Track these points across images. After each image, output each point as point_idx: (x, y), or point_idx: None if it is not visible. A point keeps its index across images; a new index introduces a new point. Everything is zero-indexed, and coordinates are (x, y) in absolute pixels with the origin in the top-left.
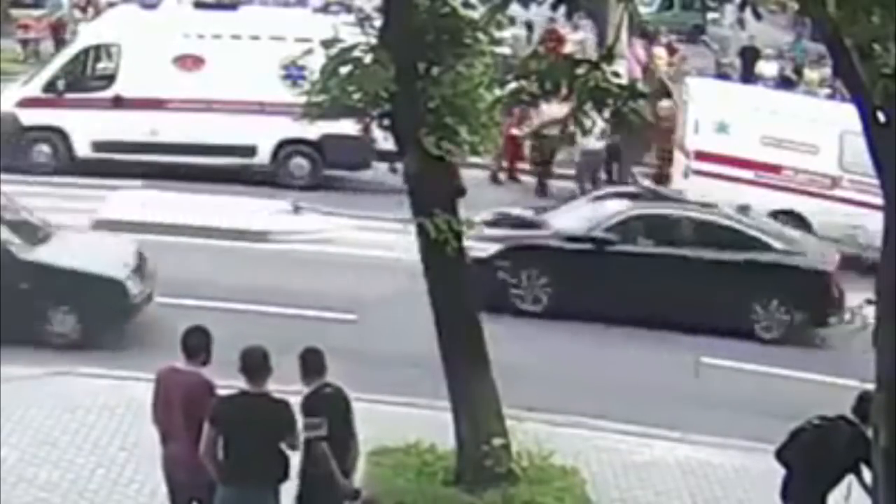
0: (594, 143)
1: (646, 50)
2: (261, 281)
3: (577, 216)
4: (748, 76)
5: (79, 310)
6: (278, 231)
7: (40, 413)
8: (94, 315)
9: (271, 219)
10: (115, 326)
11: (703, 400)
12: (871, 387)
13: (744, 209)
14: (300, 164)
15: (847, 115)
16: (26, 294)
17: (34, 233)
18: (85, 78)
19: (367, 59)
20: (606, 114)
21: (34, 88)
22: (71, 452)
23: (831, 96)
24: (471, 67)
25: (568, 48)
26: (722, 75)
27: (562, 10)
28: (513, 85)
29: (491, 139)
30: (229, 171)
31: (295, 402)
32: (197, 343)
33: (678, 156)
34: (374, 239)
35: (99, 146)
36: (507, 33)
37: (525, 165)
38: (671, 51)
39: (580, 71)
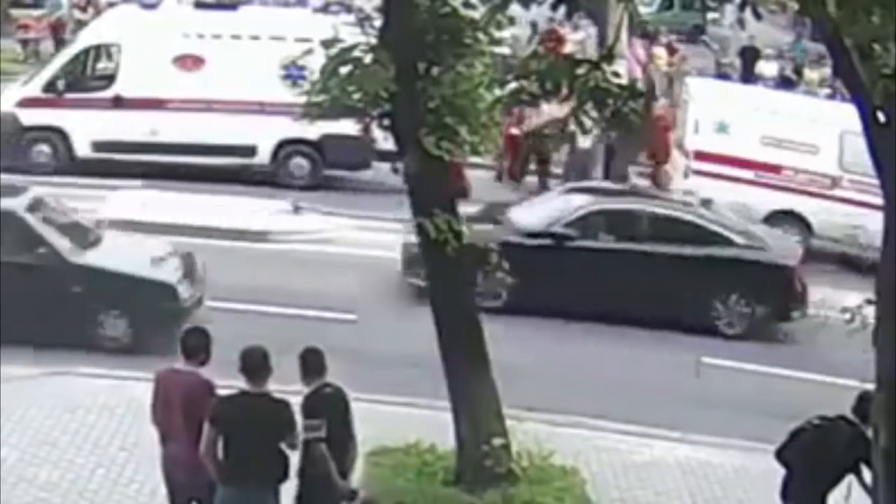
0: (581, 141)
1: (646, 50)
2: (261, 281)
3: (539, 212)
4: (748, 76)
5: (130, 314)
6: (278, 231)
7: (40, 413)
8: (145, 319)
9: (271, 219)
10: (165, 330)
11: (700, 399)
12: (870, 387)
13: (706, 203)
14: (300, 164)
15: (847, 115)
16: (78, 298)
17: (85, 236)
18: (85, 78)
19: (367, 59)
20: (607, 114)
21: (34, 88)
22: (71, 452)
23: (831, 96)
24: (471, 67)
25: (568, 48)
26: (722, 75)
27: (562, 10)
28: (513, 85)
29: (491, 139)
30: (229, 171)
31: (295, 402)
32: (196, 343)
33: (678, 156)
34: (374, 239)
35: (99, 146)
36: (506, 33)
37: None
38: (671, 51)
39: (580, 71)
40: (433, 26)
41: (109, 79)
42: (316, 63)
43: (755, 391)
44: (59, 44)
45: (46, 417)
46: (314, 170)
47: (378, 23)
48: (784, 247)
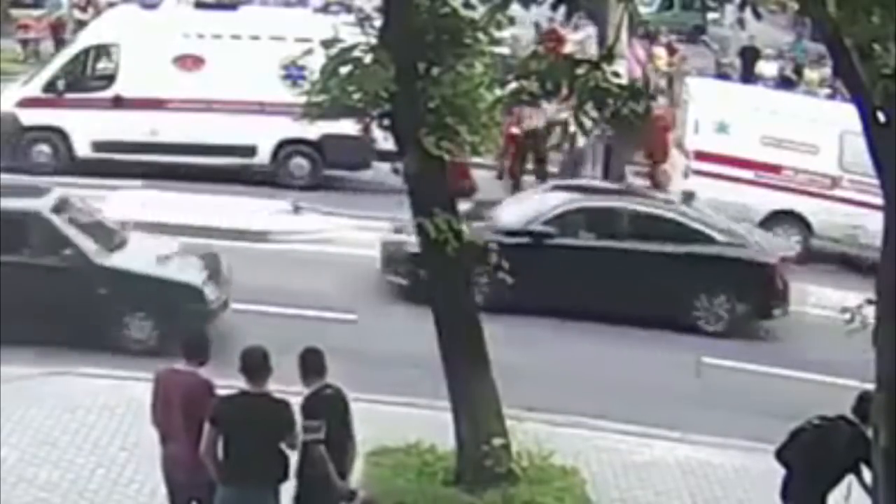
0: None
1: (646, 50)
2: (261, 281)
3: (520, 210)
4: (748, 76)
5: (156, 316)
6: (278, 231)
7: (40, 413)
8: (171, 321)
9: (271, 219)
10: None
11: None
12: (870, 387)
13: (689, 197)
14: (300, 164)
15: (847, 115)
16: (104, 299)
17: (110, 237)
18: (85, 78)
19: (367, 59)
20: (607, 114)
21: (34, 88)
22: (71, 452)
23: (831, 96)
24: (471, 67)
25: (568, 48)
26: (722, 75)
27: (562, 10)
28: (513, 85)
29: (491, 139)
30: (229, 171)
31: (295, 402)
32: (196, 343)
33: (678, 156)
34: (375, 239)
35: (99, 146)
36: (506, 33)
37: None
38: (671, 51)
39: (580, 71)
40: (433, 26)
41: (109, 79)
42: (316, 63)
43: (744, 389)
44: (59, 44)
45: (46, 417)
46: (314, 170)
47: (378, 23)
48: (765, 244)
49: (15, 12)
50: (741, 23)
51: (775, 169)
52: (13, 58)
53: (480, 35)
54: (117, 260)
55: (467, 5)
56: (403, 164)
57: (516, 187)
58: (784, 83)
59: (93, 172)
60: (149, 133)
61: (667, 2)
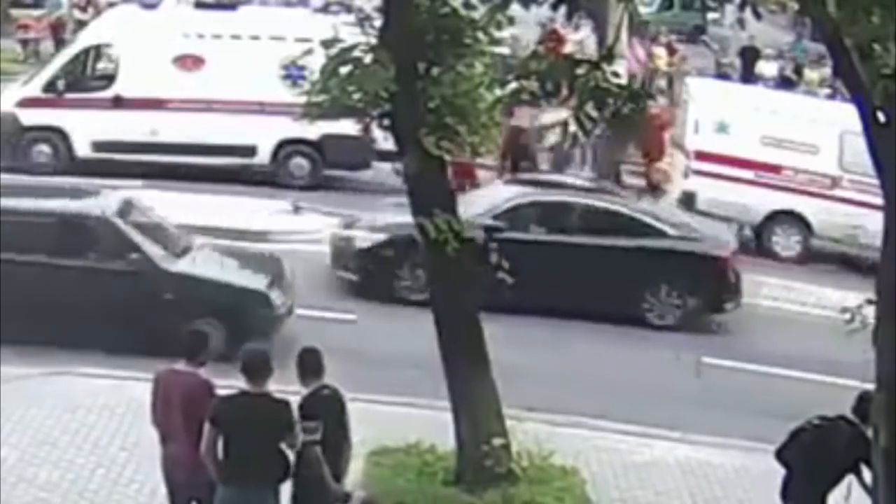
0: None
1: (646, 50)
2: None
3: (471, 204)
4: (748, 76)
5: (224, 322)
6: (278, 231)
7: (40, 413)
8: (239, 327)
9: (271, 219)
10: (260, 339)
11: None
12: (870, 387)
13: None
14: (300, 164)
15: (847, 115)
16: (170, 305)
17: (174, 242)
18: (85, 78)
19: (367, 59)
20: (607, 114)
21: (34, 88)
22: (71, 452)
23: (831, 96)
24: (471, 67)
25: (568, 48)
26: (722, 75)
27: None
28: (513, 85)
29: (491, 139)
30: (229, 171)
31: (295, 402)
32: (196, 344)
33: (678, 155)
34: None
35: (99, 146)
36: (506, 33)
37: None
38: (671, 51)
39: (580, 71)
40: (433, 26)
41: (109, 79)
42: (316, 63)
43: (744, 389)
44: (59, 44)
45: (46, 417)
46: (314, 170)
47: (378, 23)
48: (717, 238)
49: (15, 12)
50: (741, 23)
51: (775, 169)
52: (13, 58)
53: (480, 35)
54: (184, 265)
55: (467, 5)
56: (403, 164)
57: None
58: (784, 83)
59: (93, 172)
60: (149, 133)
61: (667, 2)
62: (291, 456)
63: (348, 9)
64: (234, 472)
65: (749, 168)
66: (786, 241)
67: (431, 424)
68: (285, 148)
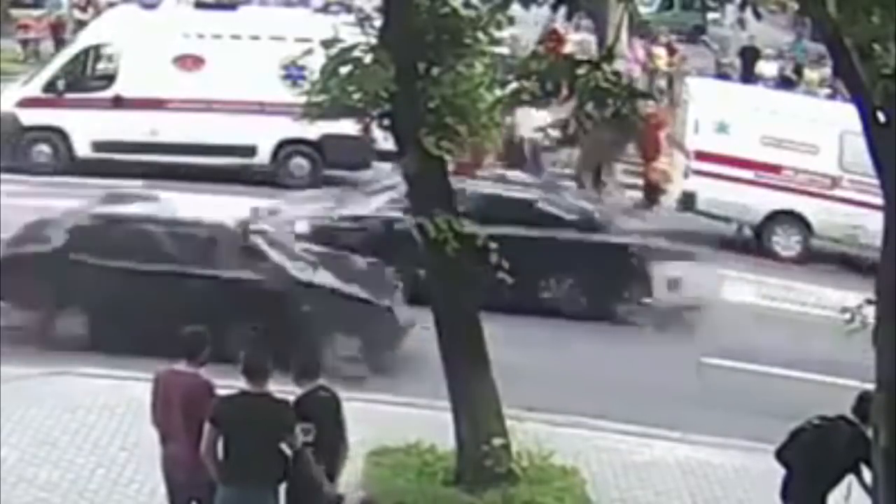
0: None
1: (646, 50)
2: None
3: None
4: (748, 76)
5: (357, 334)
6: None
7: (40, 413)
8: (370, 340)
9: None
10: (387, 352)
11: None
12: (870, 387)
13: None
14: (300, 164)
15: (847, 115)
16: (307, 317)
17: (296, 252)
18: (85, 78)
19: (367, 59)
20: (607, 114)
21: (34, 88)
22: (71, 452)
23: (831, 96)
24: (471, 67)
25: (568, 48)
26: (722, 75)
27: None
28: (513, 85)
29: (491, 139)
30: (229, 171)
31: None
32: (196, 344)
33: (678, 155)
34: None
35: (99, 146)
36: (506, 33)
37: None
38: (671, 51)
39: (581, 71)
40: (433, 26)
41: (109, 79)
42: (316, 63)
43: (744, 389)
44: (59, 44)
45: (46, 417)
46: (314, 170)
47: (378, 23)
48: (625, 228)
49: (15, 12)
50: (741, 23)
51: (775, 169)
52: (13, 58)
53: (480, 35)
54: (314, 276)
55: (467, 5)
56: (402, 165)
57: None
58: (784, 83)
59: (93, 172)
60: (149, 133)
61: (667, 2)
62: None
63: (348, 9)
64: (234, 472)
65: (749, 168)
66: (786, 241)
67: (431, 424)
68: (285, 148)
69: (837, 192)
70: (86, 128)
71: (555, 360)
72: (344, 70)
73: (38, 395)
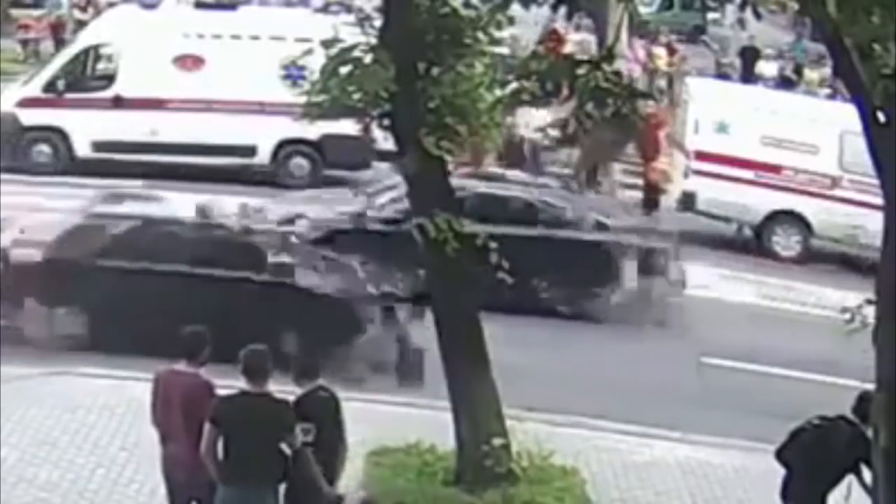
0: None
1: (646, 50)
2: None
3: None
4: (748, 76)
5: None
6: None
7: (40, 413)
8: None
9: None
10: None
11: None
12: (870, 387)
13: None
14: (300, 164)
15: (847, 115)
16: (308, 317)
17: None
18: (85, 78)
19: (367, 59)
20: (607, 114)
21: (34, 88)
22: (71, 452)
23: (831, 96)
24: (471, 67)
25: (568, 48)
26: (722, 75)
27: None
28: (513, 85)
29: (491, 139)
30: (229, 171)
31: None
32: (196, 344)
33: (678, 155)
34: None
35: (99, 146)
36: (506, 33)
37: None
38: (671, 51)
39: (581, 71)
40: (433, 26)
41: (109, 79)
42: (316, 63)
43: (744, 389)
44: (59, 44)
45: (46, 417)
46: (314, 170)
47: (378, 23)
48: (594, 224)
49: (15, 12)
50: (741, 23)
51: (775, 169)
52: (13, 58)
53: (480, 35)
54: (315, 277)
55: (467, 5)
56: (401, 165)
57: None
58: (784, 83)
59: (93, 172)
60: (149, 133)
61: (667, 2)
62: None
63: (348, 9)
64: (234, 472)
65: (749, 168)
66: (786, 241)
67: (431, 424)
68: (285, 148)
69: (837, 192)
70: (86, 128)
71: (555, 360)
72: (344, 70)
73: (38, 395)
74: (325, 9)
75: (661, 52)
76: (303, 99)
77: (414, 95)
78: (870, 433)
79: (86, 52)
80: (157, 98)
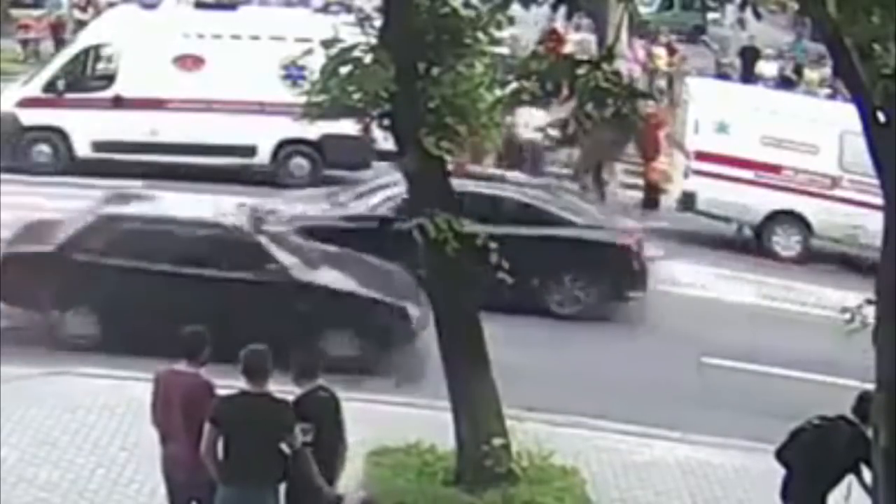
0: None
1: (646, 50)
2: None
3: (379, 196)
4: (748, 76)
5: (360, 334)
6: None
7: (40, 413)
8: (375, 340)
9: None
10: (396, 352)
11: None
12: (870, 387)
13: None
14: (300, 164)
15: (847, 115)
16: (304, 316)
17: (306, 252)
18: (85, 78)
19: (367, 59)
20: (607, 114)
21: (34, 88)
22: (71, 452)
23: (831, 96)
24: (471, 67)
25: (568, 48)
26: (722, 75)
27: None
28: (513, 85)
29: (491, 139)
30: (229, 171)
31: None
32: (196, 344)
33: (678, 156)
34: None
35: (99, 146)
36: (506, 33)
37: None
38: (671, 51)
39: (581, 71)
40: (433, 26)
41: (109, 79)
42: (316, 63)
43: (744, 389)
44: (59, 44)
45: (46, 417)
46: (314, 170)
47: (378, 23)
48: (622, 227)
49: (15, 12)
50: (741, 23)
51: (775, 169)
52: (13, 58)
53: (480, 35)
54: (319, 276)
55: (467, 5)
56: (401, 165)
57: None
58: (784, 83)
59: (93, 172)
60: (149, 133)
61: (667, 2)
62: None
63: (348, 9)
64: (235, 472)
65: (749, 168)
66: (786, 241)
67: (431, 424)
68: (285, 148)
69: (837, 192)
70: (86, 128)
71: (555, 360)
72: (344, 70)
73: (38, 395)
74: (325, 9)
75: (661, 52)
76: (303, 99)
77: (414, 95)
78: (870, 433)
79: (86, 52)
80: (157, 98)
